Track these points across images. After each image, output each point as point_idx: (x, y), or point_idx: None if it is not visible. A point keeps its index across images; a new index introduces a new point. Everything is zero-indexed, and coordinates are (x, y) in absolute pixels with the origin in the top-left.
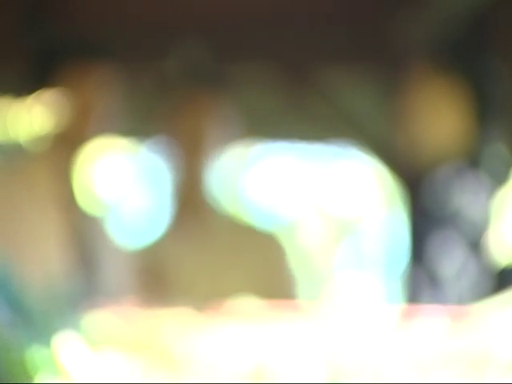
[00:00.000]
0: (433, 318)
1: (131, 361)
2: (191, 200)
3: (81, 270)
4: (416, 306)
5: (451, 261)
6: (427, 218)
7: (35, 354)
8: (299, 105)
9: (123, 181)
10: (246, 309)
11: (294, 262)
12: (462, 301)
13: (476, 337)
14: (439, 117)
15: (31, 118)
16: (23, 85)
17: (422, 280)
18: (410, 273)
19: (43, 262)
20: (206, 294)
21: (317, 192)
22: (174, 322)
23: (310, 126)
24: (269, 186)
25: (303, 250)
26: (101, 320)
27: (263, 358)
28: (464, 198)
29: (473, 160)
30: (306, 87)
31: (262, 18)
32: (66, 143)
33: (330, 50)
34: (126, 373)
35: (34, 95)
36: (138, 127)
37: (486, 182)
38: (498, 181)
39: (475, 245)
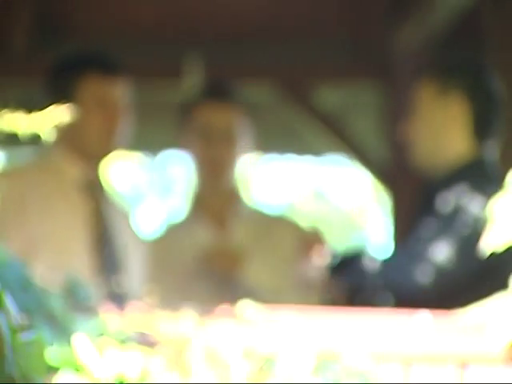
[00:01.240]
0: (419, 318)
1: (144, 360)
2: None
3: (105, 265)
4: (401, 309)
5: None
6: (420, 222)
7: (56, 352)
8: (296, 120)
9: (140, 185)
10: (248, 311)
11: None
12: (449, 303)
13: (460, 336)
14: (437, 131)
15: (49, 128)
16: (43, 96)
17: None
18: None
19: (68, 256)
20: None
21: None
22: (182, 323)
23: (306, 140)
24: (271, 190)
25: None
26: (118, 320)
27: (266, 358)
28: (459, 202)
29: (469, 167)
30: (303, 104)
31: (260, 37)
32: (85, 151)
33: (328, 68)
34: (141, 372)
35: (51, 106)
36: (151, 138)
37: (480, 188)
38: (493, 187)
39: (468, 247)
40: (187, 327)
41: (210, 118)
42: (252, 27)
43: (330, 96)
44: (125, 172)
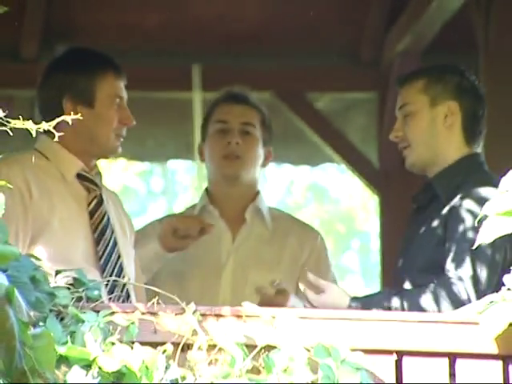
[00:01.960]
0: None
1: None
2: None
3: (107, 258)
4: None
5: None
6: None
7: (64, 346)
8: (294, 130)
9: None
10: (249, 309)
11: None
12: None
13: (450, 330)
14: (427, 137)
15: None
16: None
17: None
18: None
19: (71, 244)
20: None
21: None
22: (185, 320)
23: (304, 145)
24: (269, 193)
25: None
26: (124, 316)
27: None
28: (451, 203)
29: (457, 165)
30: (302, 114)
31: (257, 48)
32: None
33: (326, 75)
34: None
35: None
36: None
37: (469, 191)
38: (481, 189)
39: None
40: (190, 324)
41: (228, 115)
42: (251, 35)
43: (327, 103)
44: (132, 180)
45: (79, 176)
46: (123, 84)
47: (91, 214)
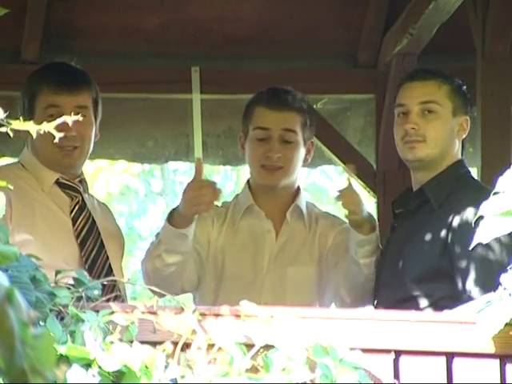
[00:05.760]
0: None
1: (148, 355)
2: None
3: (93, 261)
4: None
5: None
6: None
7: (67, 347)
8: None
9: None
10: (247, 308)
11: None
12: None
13: (448, 329)
14: (445, 142)
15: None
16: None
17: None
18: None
19: (58, 252)
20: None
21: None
22: (184, 321)
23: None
24: None
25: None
26: (123, 316)
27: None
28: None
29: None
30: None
31: (256, 50)
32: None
33: (323, 81)
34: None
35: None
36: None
37: (468, 199)
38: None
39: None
40: (189, 324)
41: (268, 122)
42: (250, 37)
43: (325, 105)
44: (132, 180)
45: (60, 184)
46: (71, 96)
47: (74, 220)
